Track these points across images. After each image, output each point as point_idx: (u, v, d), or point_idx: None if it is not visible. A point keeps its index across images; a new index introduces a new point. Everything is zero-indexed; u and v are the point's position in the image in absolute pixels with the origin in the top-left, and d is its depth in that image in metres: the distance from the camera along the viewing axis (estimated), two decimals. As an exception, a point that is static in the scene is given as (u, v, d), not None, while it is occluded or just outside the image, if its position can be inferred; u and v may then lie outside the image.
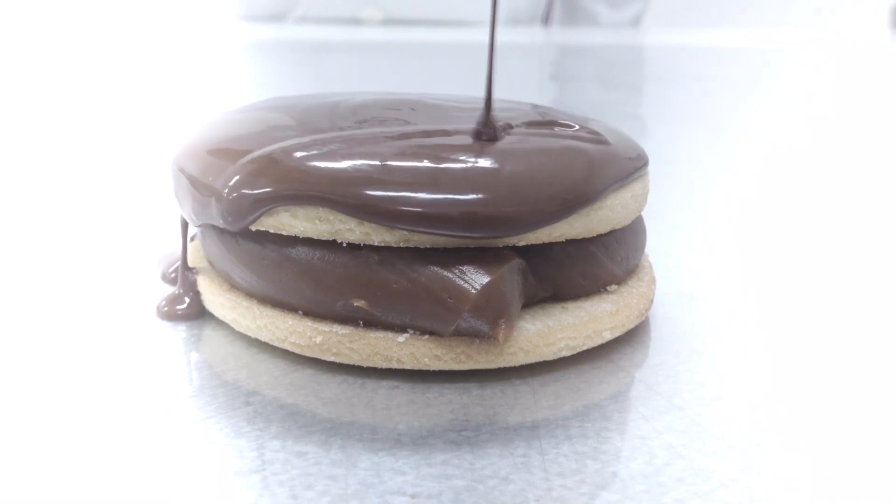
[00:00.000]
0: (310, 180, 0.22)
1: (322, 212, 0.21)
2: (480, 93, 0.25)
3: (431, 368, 0.22)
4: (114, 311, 0.26)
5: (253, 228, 0.23)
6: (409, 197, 0.21)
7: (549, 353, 0.23)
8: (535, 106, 0.29)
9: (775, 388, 0.22)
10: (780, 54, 1.30)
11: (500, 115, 0.26)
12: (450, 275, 0.21)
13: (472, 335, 0.22)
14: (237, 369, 0.23)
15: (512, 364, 0.22)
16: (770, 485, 0.18)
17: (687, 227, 0.37)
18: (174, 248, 0.28)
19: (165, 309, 0.26)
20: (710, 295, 0.29)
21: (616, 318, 0.24)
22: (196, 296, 0.26)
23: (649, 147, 0.27)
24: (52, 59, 1.02)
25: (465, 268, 0.21)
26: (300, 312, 0.23)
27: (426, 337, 0.22)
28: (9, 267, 0.30)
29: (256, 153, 0.23)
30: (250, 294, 0.24)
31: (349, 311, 0.22)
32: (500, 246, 0.22)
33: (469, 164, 0.22)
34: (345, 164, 0.22)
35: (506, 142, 0.23)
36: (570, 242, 0.23)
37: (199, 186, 0.24)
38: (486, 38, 0.24)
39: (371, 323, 0.22)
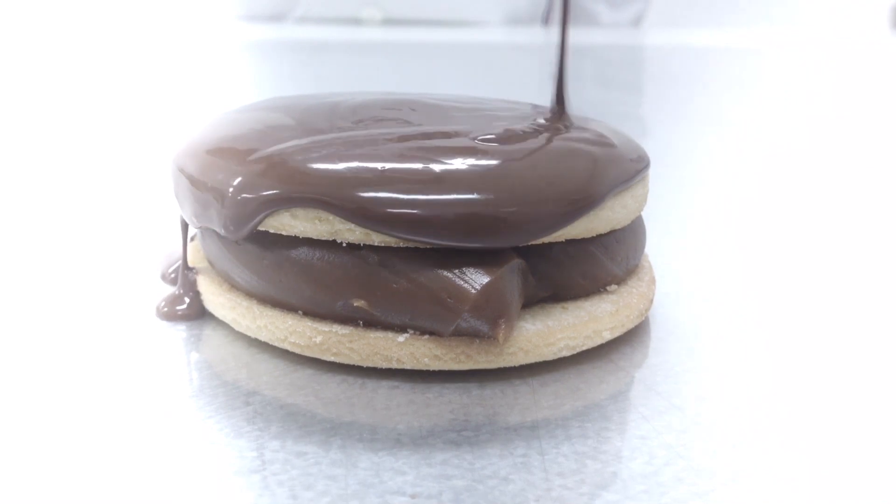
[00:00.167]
0: (310, 181, 0.22)
1: (322, 212, 0.21)
2: (480, 93, 0.25)
3: (431, 368, 0.22)
4: (114, 311, 0.26)
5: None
6: (411, 201, 0.21)
7: (548, 353, 0.23)
8: (535, 106, 0.29)
9: (775, 388, 0.22)
10: (779, 54, 1.30)
11: (500, 115, 0.26)
12: (450, 275, 0.21)
13: (471, 335, 0.22)
14: (237, 369, 0.23)
15: (512, 364, 0.22)
16: (770, 485, 0.18)
17: (687, 227, 0.37)
18: (174, 248, 0.28)
19: (165, 310, 0.26)
20: (710, 295, 0.29)
21: (616, 318, 0.24)
22: (196, 296, 0.26)
23: (649, 147, 0.27)
24: (53, 59, 1.02)
25: (464, 268, 0.21)
26: (300, 312, 0.23)
27: (426, 337, 0.22)
28: (9, 267, 0.30)
29: (256, 155, 0.23)
30: (250, 294, 0.24)
31: (349, 311, 0.22)
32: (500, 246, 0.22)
33: (469, 169, 0.22)
34: (344, 168, 0.22)
35: (507, 146, 0.23)
36: (570, 242, 0.23)
37: (199, 187, 0.24)
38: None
39: (371, 323, 0.22)
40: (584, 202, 0.22)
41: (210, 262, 0.26)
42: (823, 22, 1.71)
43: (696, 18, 1.75)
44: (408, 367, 0.22)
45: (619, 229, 0.24)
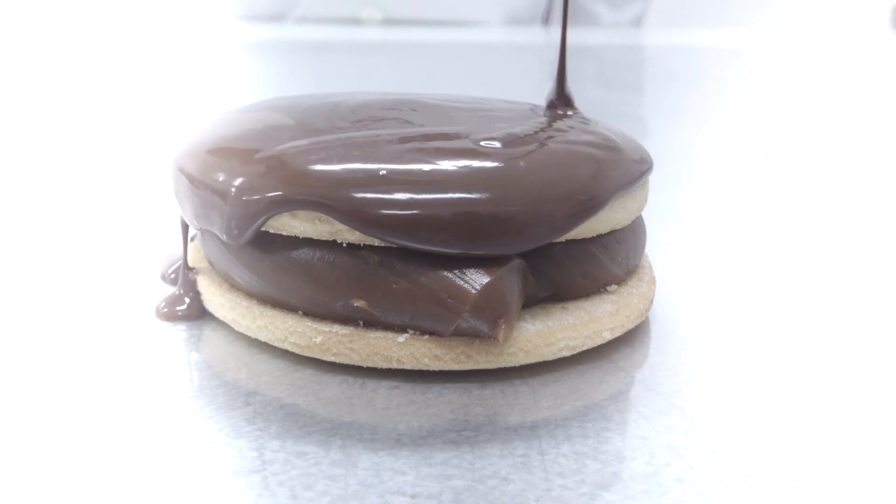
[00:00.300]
0: (312, 184, 0.22)
1: (322, 213, 0.21)
2: (480, 93, 0.25)
3: (431, 368, 0.22)
4: (114, 312, 0.26)
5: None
6: (411, 203, 0.21)
7: (549, 354, 0.23)
8: (535, 106, 0.29)
9: (775, 388, 0.22)
10: (780, 54, 1.30)
11: (501, 116, 0.26)
12: (450, 275, 0.21)
13: (472, 335, 0.22)
14: (237, 369, 0.23)
15: (512, 364, 0.22)
16: (770, 485, 0.18)
17: (687, 227, 0.37)
18: (174, 248, 0.28)
19: (165, 310, 0.26)
20: (710, 295, 0.29)
21: (616, 318, 0.24)
22: (196, 296, 0.26)
23: (649, 147, 0.27)
24: (53, 59, 1.02)
25: (464, 268, 0.21)
26: (300, 313, 0.23)
27: (426, 337, 0.22)
28: (9, 267, 0.30)
29: (257, 156, 0.23)
30: (250, 294, 0.24)
31: (349, 311, 0.22)
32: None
33: (470, 172, 0.22)
34: (343, 170, 0.22)
35: (509, 150, 0.23)
36: (571, 242, 0.23)
37: (199, 187, 0.24)
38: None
39: (371, 323, 0.22)
40: (588, 205, 0.22)
41: (210, 263, 0.26)
42: (823, 22, 1.71)
43: (696, 18, 1.75)
44: (408, 367, 0.22)
45: (620, 229, 0.24)
